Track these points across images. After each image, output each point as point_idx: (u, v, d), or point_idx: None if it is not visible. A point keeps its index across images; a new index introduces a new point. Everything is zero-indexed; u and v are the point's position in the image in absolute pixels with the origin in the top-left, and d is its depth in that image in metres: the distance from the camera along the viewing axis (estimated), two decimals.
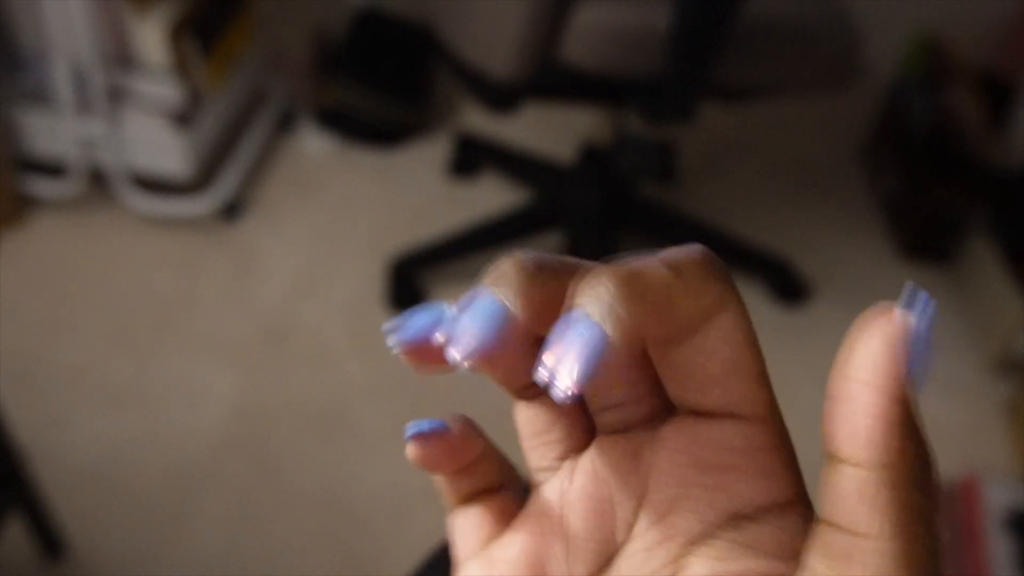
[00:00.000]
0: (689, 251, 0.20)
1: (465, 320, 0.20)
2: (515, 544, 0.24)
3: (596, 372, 0.18)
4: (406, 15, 1.91)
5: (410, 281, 1.54)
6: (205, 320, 1.49)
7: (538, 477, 0.25)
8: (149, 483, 1.27)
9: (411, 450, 0.24)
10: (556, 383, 0.18)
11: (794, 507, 0.21)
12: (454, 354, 0.19)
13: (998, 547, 1.27)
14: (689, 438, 0.22)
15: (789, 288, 1.61)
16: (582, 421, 0.25)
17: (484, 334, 0.19)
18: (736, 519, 0.21)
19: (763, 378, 0.21)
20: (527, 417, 0.25)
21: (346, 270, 1.59)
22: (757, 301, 1.60)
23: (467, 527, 0.25)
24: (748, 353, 0.21)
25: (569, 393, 0.18)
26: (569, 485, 0.24)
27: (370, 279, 1.56)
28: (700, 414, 0.21)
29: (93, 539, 1.20)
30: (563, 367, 0.18)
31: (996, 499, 1.32)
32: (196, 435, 1.33)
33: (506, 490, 0.26)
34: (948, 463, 1.39)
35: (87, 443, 1.31)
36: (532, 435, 0.25)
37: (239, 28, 1.66)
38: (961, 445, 1.43)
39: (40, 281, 1.52)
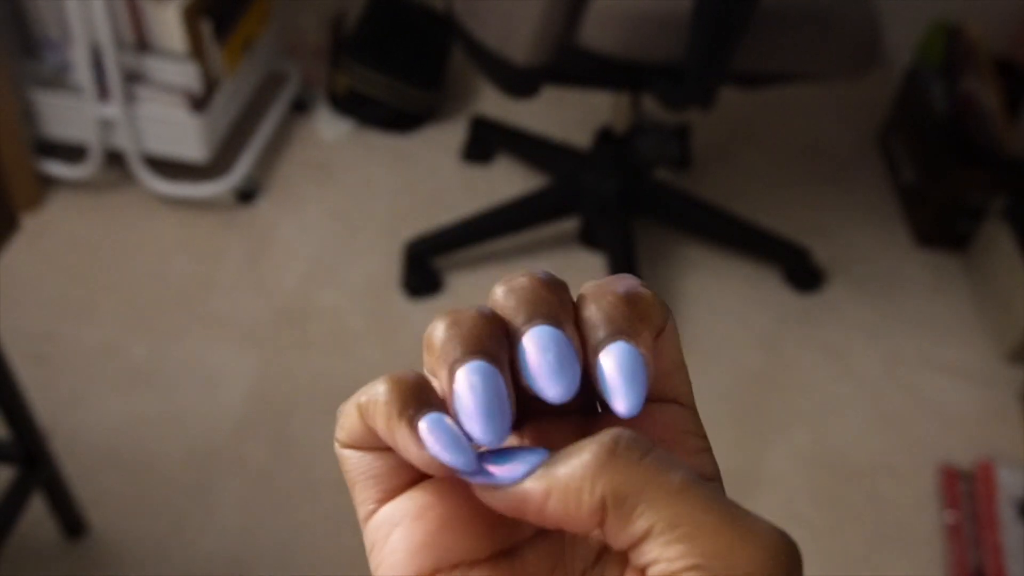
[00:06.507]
0: (632, 282, 0.24)
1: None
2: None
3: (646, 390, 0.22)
4: None
5: (425, 265, 1.54)
6: (222, 302, 1.50)
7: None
8: (168, 464, 1.29)
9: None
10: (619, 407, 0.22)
11: (718, 482, 0.25)
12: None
13: (1013, 532, 1.27)
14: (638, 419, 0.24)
15: (804, 274, 1.60)
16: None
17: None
18: None
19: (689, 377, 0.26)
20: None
21: (362, 254, 1.60)
22: (772, 286, 1.59)
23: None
24: (682, 356, 0.25)
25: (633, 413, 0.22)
26: None
27: (386, 263, 1.57)
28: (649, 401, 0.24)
29: (113, 519, 1.22)
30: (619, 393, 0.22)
31: (1011, 484, 1.32)
32: (215, 417, 1.34)
33: None
34: (963, 449, 1.40)
35: (107, 424, 1.32)
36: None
37: (255, 12, 1.67)
38: (976, 431, 1.43)
39: (59, 263, 1.53)
